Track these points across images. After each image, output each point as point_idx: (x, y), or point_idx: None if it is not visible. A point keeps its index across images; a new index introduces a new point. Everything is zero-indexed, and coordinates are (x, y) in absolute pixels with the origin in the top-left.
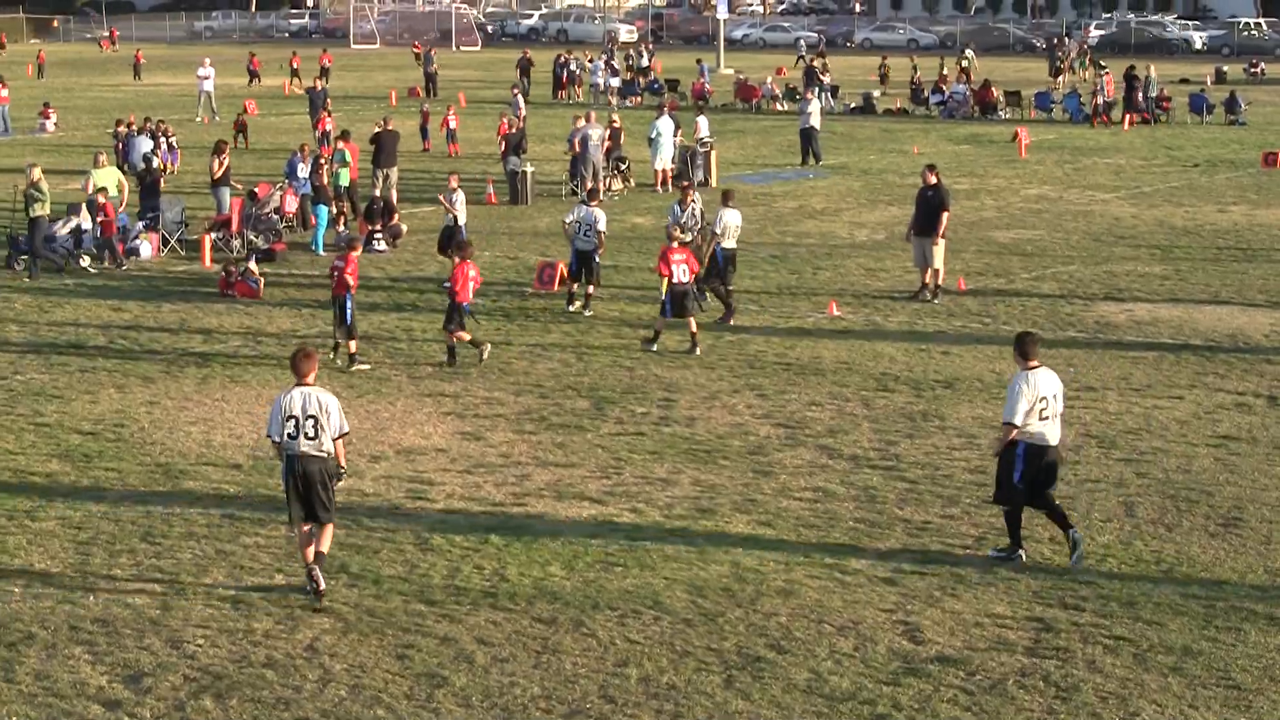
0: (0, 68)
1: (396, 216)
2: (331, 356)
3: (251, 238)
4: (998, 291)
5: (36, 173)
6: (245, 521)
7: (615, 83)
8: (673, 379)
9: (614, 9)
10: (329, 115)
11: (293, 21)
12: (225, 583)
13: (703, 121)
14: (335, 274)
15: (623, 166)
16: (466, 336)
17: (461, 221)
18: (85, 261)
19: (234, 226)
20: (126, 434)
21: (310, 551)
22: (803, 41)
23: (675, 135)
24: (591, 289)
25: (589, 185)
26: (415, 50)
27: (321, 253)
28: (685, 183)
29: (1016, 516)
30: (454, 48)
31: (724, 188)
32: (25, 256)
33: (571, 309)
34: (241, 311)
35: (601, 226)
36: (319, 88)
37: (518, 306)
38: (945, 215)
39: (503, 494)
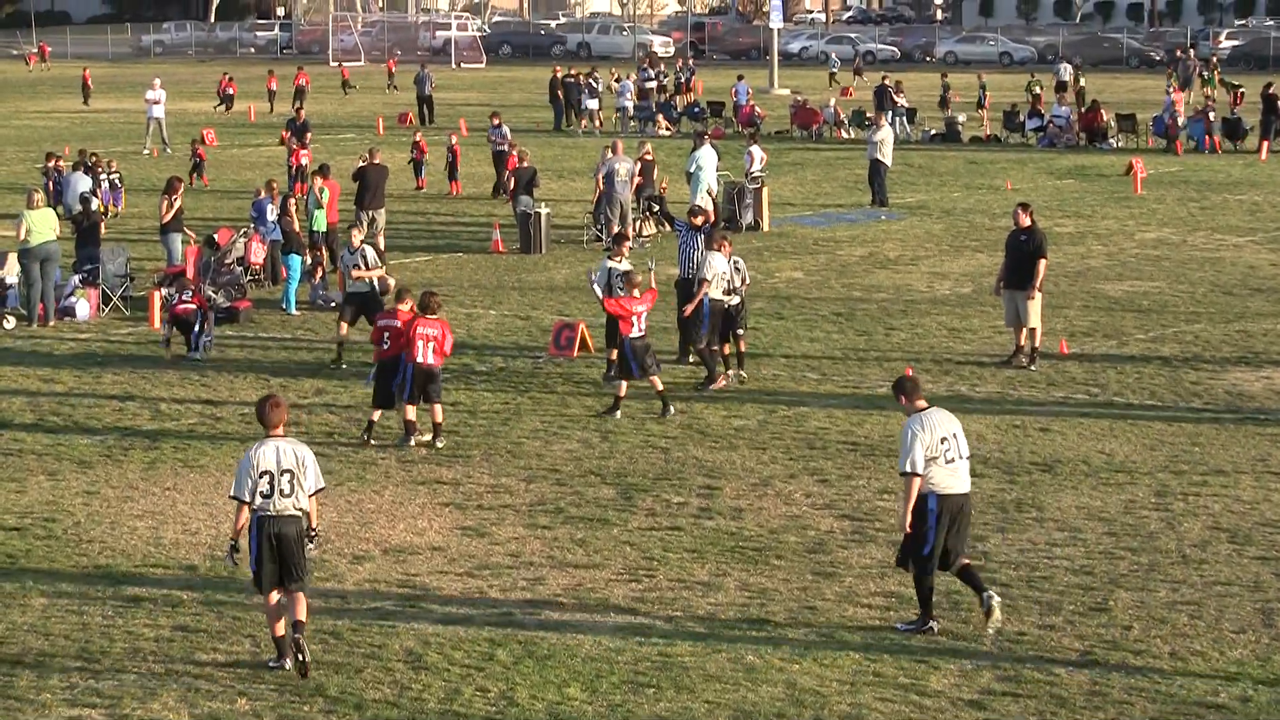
0: None
1: (383, 269)
2: (365, 438)
3: (210, 293)
4: (1107, 356)
5: None
6: (202, 635)
7: (628, 105)
8: (715, 462)
9: (645, 18)
10: (304, 148)
11: (260, 34)
12: (177, 708)
13: (755, 152)
14: (387, 336)
15: (656, 207)
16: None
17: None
18: (9, 323)
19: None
20: (59, 529)
21: (281, 625)
22: (835, 56)
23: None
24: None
25: (615, 229)
26: (389, 68)
27: (294, 311)
28: (722, 236)
29: (929, 583)
30: (454, 65)
31: (720, 231)
32: None
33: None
34: (197, 382)
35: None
36: (301, 118)
37: (529, 376)
38: (1042, 264)
39: (511, 601)
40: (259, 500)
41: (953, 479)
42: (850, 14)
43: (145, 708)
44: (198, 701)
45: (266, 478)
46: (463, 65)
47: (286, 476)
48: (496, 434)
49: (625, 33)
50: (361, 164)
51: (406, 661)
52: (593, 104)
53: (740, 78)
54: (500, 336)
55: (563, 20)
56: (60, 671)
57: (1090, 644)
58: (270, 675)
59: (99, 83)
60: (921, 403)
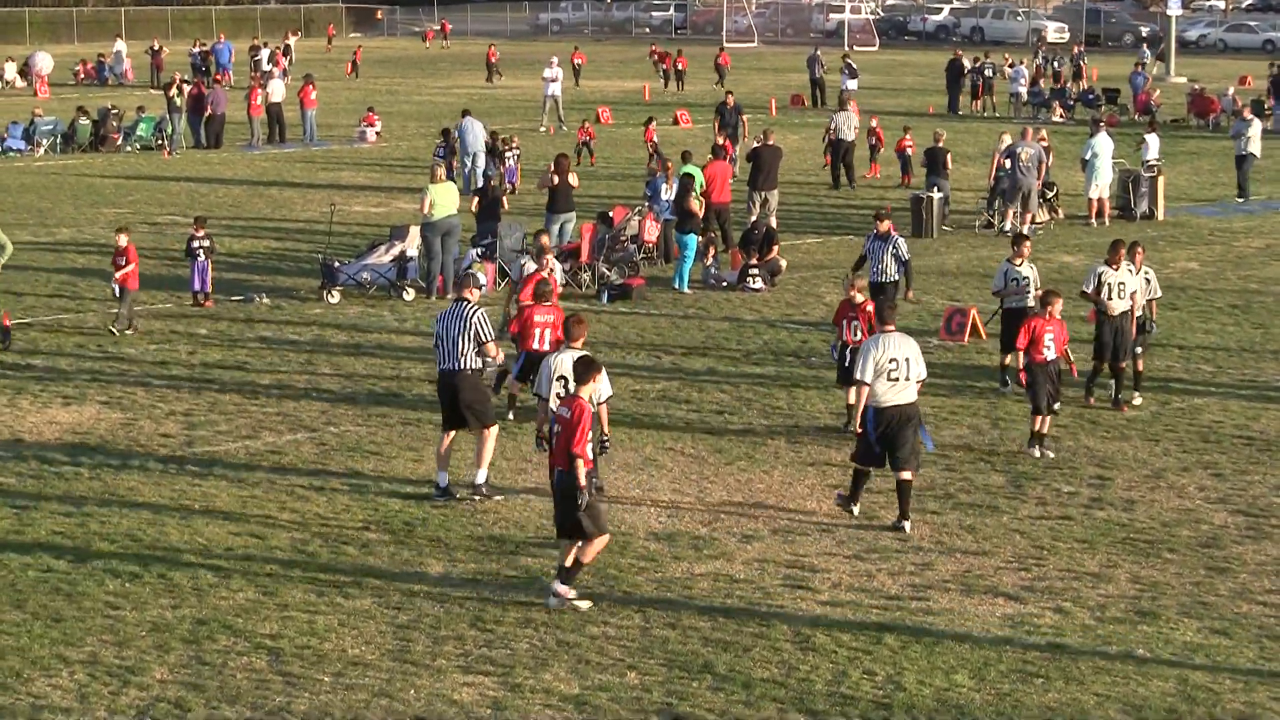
0: (311, 65)
1: (776, 249)
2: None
3: (604, 270)
4: None
5: None
6: (593, 608)
7: (1022, 90)
8: (1107, 453)
9: (1040, 3)
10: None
11: (655, 15)
12: (567, 679)
13: (1152, 140)
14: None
15: (1050, 194)
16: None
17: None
18: (409, 294)
19: (583, 257)
20: (455, 499)
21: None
22: (1145, 47)
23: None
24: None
25: (1009, 218)
26: (488, 58)
27: (686, 290)
28: (1027, 237)
29: (864, 475)
30: (847, 48)
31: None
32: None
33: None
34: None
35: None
36: (731, 103)
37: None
38: None
39: (899, 585)
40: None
41: (892, 393)
42: (1250, 1)
43: (536, 677)
44: (588, 673)
45: (561, 381)
46: (855, 48)
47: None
48: None
49: (1020, 18)
50: (756, 145)
51: (794, 642)
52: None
53: (1139, 63)
54: None
55: (956, 5)
56: (455, 639)
57: None
58: (659, 650)
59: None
60: (890, 326)
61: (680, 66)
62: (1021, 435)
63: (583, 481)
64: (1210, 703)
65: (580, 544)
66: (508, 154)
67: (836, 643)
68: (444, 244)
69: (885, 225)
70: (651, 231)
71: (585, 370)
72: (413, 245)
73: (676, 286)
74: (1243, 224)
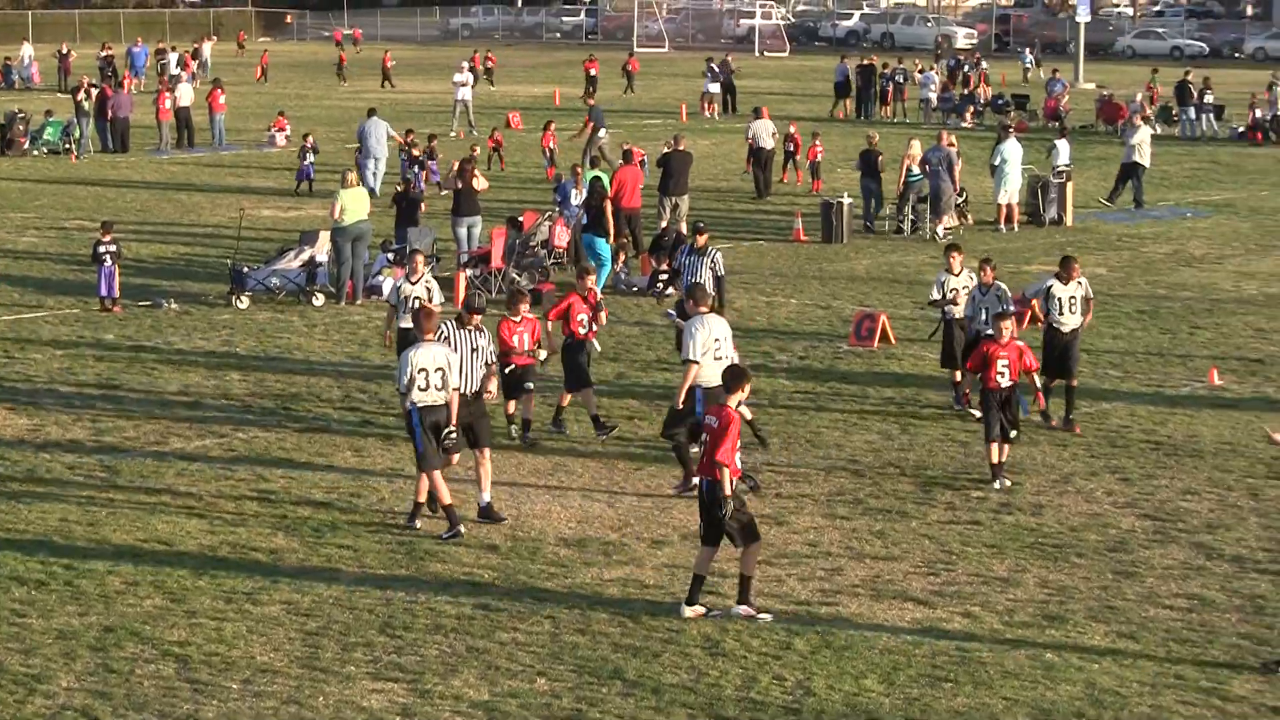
0: (222, 70)
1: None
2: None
3: (515, 275)
4: None
5: None
6: (503, 614)
7: (932, 96)
8: (1017, 458)
9: (950, 9)
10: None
11: (566, 20)
12: (477, 685)
13: (1062, 146)
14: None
15: (959, 200)
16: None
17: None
18: (318, 300)
19: (494, 262)
20: (363, 505)
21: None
22: (1028, 51)
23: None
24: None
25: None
26: (587, 68)
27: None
28: (958, 246)
29: (685, 450)
30: (758, 53)
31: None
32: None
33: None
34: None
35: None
36: (591, 103)
37: (829, 365)
38: None
39: (809, 590)
40: (416, 392)
41: (713, 372)
42: (1158, 7)
43: (446, 684)
44: (498, 679)
45: (423, 374)
46: (766, 54)
47: (439, 374)
48: (795, 423)
49: (930, 24)
50: (667, 150)
51: (704, 647)
52: None
53: (1055, 71)
54: (801, 325)
55: (866, 9)
56: (364, 645)
57: None
58: (569, 656)
59: (404, 66)
60: (703, 308)
61: (591, 72)
62: (930, 439)
63: (727, 491)
64: (1118, 706)
65: (742, 558)
66: (429, 161)
67: (746, 648)
68: (354, 249)
69: (703, 239)
70: (562, 237)
71: (735, 379)
72: (322, 250)
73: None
74: (1150, 230)
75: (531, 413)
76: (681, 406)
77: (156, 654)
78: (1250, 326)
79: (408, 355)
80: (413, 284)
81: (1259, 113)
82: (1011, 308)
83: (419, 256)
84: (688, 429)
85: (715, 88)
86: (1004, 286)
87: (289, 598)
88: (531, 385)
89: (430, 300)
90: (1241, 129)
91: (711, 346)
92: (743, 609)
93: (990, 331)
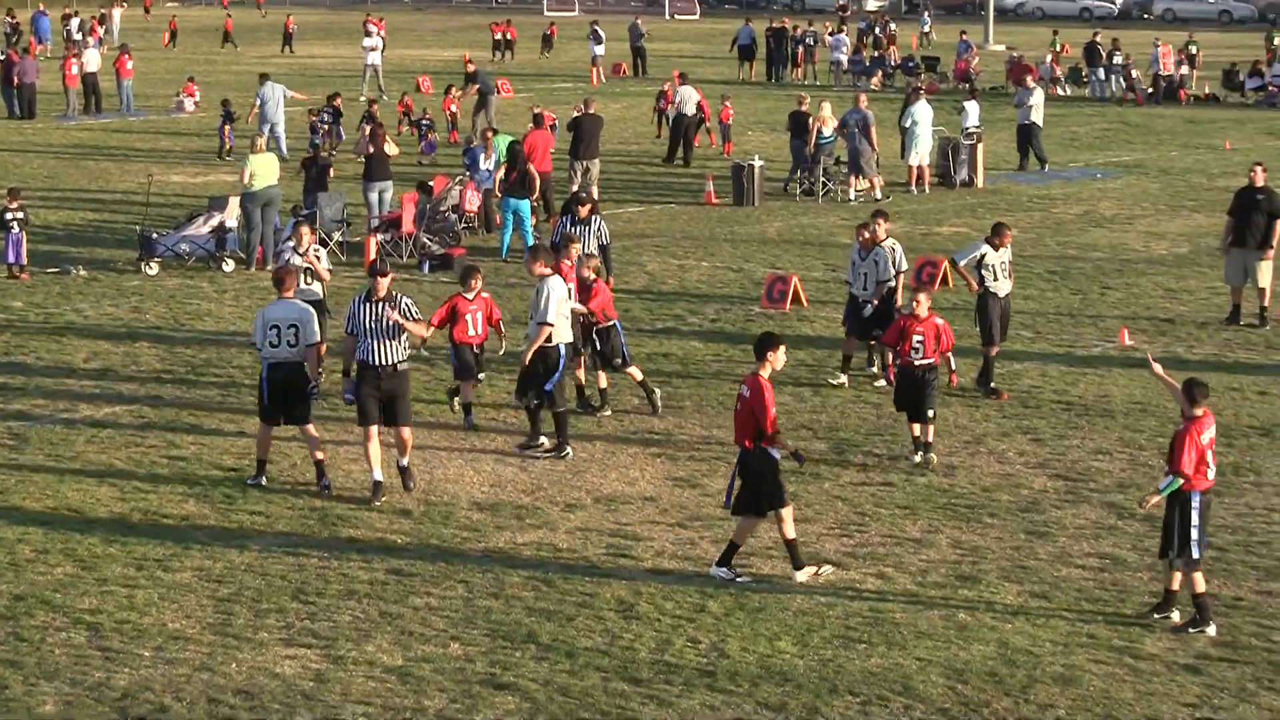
0: (129, 36)
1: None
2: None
3: (425, 240)
4: None
5: None
6: (415, 579)
7: (843, 58)
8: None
9: None
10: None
11: None
12: (390, 651)
13: (971, 108)
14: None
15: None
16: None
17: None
18: (228, 266)
19: (405, 227)
20: (274, 471)
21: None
22: (928, 15)
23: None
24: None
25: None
26: (494, 31)
27: (505, 258)
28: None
29: (538, 414)
30: (667, 16)
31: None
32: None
33: (835, 382)
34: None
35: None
36: (473, 68)
37: (741, 328)
38: (1279, 224)
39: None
40: (267, 348)
41: (566, 329)
42: None
43: (359, 649)
44: (411, 644)
45: (274, 330)
46: (676, 16)
47: (291, 329)
48: (708, 386)
49: None
50: (577, 114)
51: (618, 611)
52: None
53: (963, 33)
54: (712, 288)
55: None
56: (277, 611)
57: None
58: (483, 620)
59: (311, 30)
60: (547, 270)
61: (510, 36)
62: (842, 400)
63: (789, 447)
64: (1030, 665)
65: (778, 525)
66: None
67: (660, 611)
68: (264, 215)
69: (585, 209)
70: (472, 201)
71: (766, 346)
72: (232, 216)
73: (500, 255)
74: (1061, 191)
75: (470, 396)
76: (529, 365)
77: (68, 622)
78: (1160, 287)
79: (261, 313)
80: (300, 254)
81: (1135, 74)
82: (890, 276)
83: (303, 227)
84: (537, 390)
85: (600, 49)
86: (885, 250)
87: (201, 564)
88: (483, 376)
89: (319, 269)
90: (1149, 90)
91: (566, 309)
92: (800, 575)
93: (869, 298)
